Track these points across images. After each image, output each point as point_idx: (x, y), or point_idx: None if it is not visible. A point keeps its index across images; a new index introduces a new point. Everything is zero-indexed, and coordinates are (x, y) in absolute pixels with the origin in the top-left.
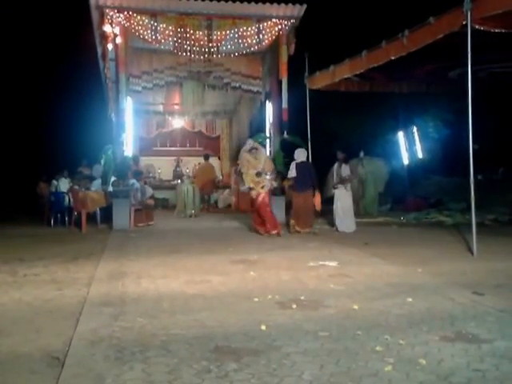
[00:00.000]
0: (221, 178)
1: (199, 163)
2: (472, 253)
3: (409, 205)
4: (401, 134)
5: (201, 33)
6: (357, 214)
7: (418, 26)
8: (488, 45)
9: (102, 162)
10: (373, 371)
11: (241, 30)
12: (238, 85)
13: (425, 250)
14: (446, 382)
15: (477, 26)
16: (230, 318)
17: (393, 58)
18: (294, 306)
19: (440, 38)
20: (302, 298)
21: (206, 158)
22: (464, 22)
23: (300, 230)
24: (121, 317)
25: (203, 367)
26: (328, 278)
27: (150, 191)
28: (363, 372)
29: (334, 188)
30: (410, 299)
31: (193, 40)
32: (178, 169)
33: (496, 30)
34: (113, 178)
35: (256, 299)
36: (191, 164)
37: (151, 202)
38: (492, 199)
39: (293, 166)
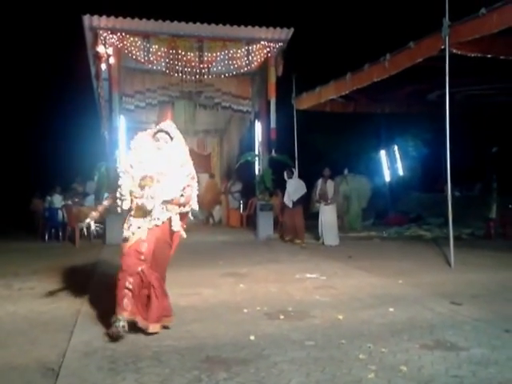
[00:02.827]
0: None
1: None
2: (450, 265)
3: (390, 220)
4: (383, 153)
5: (192, 54)
6: (341, 228)
7: (399, 50)
8: (465, 68)
9: (96, 178)
10: (357, 378)
11: (231, 51)
12: (228, 105)
13: (405, 262)
14: None
15: (454, 51)
16: (221, 328)
17: (375, 80)
18: (282, 317)
19: (419, 62)
20: (290, 309)
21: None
22: (442, 47)
23: (293, 240)
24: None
25: (194, 377)
26: (314, 290)
27: None
28: (347, 379)
29: (319, 203)
30: (391, 309)
31: (184, 61)
32: None
33: (472, 55)
34: (106, 195)
35: (245, 310)
36: None
37: None
38: (468, 214)
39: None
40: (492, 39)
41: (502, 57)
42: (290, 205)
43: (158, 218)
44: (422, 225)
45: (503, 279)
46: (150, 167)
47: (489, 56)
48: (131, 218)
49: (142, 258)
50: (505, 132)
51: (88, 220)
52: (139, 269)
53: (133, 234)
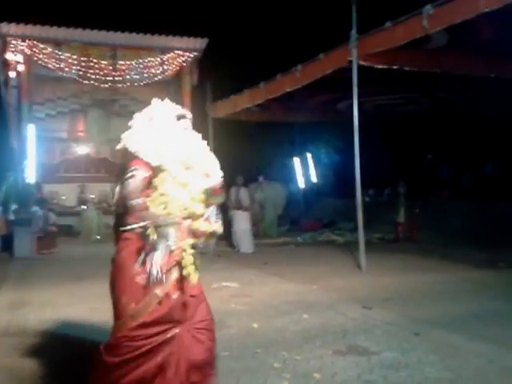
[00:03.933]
0: None
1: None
2: (361, 269)
3: (304, 225)
4: (297, 160)
5: (105, 62)
6: (257, 235)
7: (310, 61)
8: (373, 79)
9: (3, 189)
10: None
11: (145, 60)
12: None
13: (319, 267)
14: None
15: (361, 62)
16: None
17: (288, 89)
18: None
19: (329, 72)
20: None
21: None
22: (350, 58)
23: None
24: (21, 347)
25: None
26: (230, 299)
27: (52, 218)
28: None
29: (234, 211)
30: (305, 315)
31: (97, 69)
32: (82, 195)
33: (379, 66)
34: (14, 206)
35: None
36: (96, 190)
37: (53, 228)
38: (378, 219)
39: None
40: (397, 51)
41: (406, 68)
42: None
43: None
44: (335, 230)
45: (412, 282)
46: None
47: (394, 67)
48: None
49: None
50: (414, 139)
51: None
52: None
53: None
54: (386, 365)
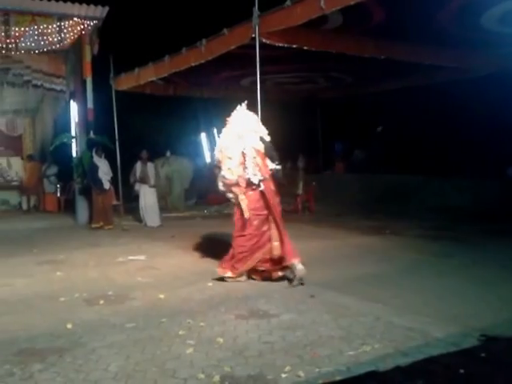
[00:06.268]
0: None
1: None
2: None
3: (211, 199)
4: (203, 135)
5: None
6: (165, 209)
7: (214, 36)
8: (275, 57)
9: None
10: (175, 355)
11: (41, 27)
12: (39, 83)
13: (224, 238)
14: (241, 357)
15: (264, 40)
16: (35, 319)
17: (193, 64)
18: (102, 302)
19: (233, 49)
20: (110, 293)
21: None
22: (253, 35)
23: (104, 226)
24: None
25: (6, 371)
26: (136, 272)
27: None
28: (167, 357)
29: (141, 184)
30: (210, 284)
31: None
32: None
33: (280, 44)
34: None
35: (62, 299)
36: None
37: None
38: (280, 191)
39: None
40: (297, 31)
41: (305, 47)
42: (108, 186)
43: None
44: None
45: (308, 248)
46: None
47: (294, 46)
48: None
49: None
50: (312, 117)
51: None
52: None
53: None
54: (283, 326)
